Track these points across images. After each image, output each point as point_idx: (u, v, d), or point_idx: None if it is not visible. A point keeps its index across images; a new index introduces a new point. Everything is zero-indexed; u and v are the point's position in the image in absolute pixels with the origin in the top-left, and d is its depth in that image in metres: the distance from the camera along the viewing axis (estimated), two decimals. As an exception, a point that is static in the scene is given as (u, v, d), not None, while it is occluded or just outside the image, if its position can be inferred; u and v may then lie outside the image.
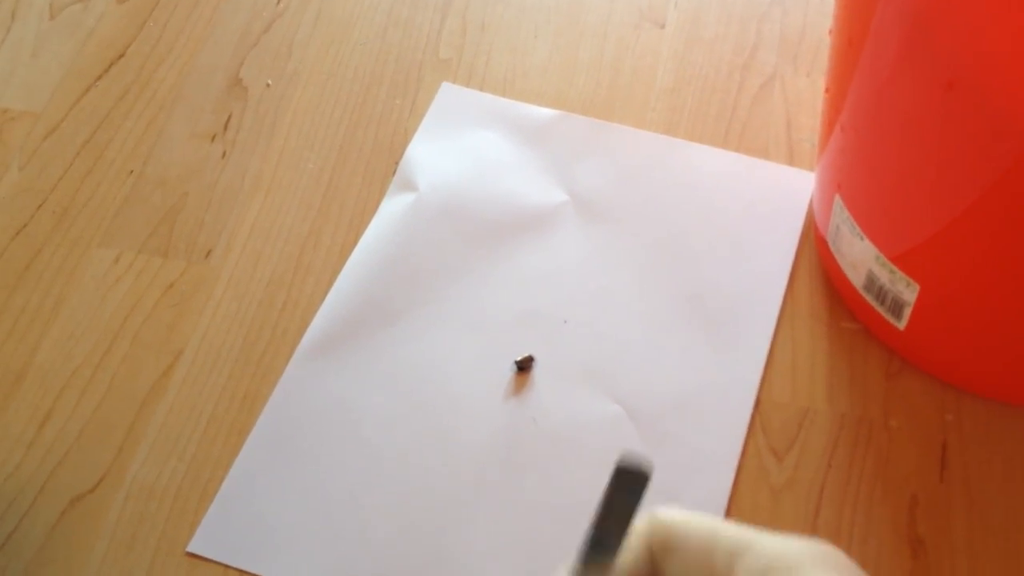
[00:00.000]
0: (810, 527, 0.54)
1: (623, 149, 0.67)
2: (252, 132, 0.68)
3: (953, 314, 0.55)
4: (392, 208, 0.65)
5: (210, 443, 0.56)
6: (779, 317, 0.61)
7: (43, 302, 0.61)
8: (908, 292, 0.54)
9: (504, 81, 0.70)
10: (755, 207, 0.65)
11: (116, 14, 0.73)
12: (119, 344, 0.59)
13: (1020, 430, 0.57)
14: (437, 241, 0.63)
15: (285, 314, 0.61)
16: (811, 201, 0.65)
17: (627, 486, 0.33)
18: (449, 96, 0.70)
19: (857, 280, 0.58)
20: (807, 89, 0.70)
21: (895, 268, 0.54)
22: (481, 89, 0.70)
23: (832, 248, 0.59)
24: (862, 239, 0.55)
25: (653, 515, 0.33)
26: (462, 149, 0.67)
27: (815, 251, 0.63)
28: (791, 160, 0.67)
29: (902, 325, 0.56)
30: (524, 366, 0.59)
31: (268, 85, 0.70)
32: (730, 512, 0.54)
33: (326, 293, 0.61)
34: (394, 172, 0.66)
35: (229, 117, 0.69)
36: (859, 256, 0.56)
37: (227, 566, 0.52)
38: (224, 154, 0.67)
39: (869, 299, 0.57)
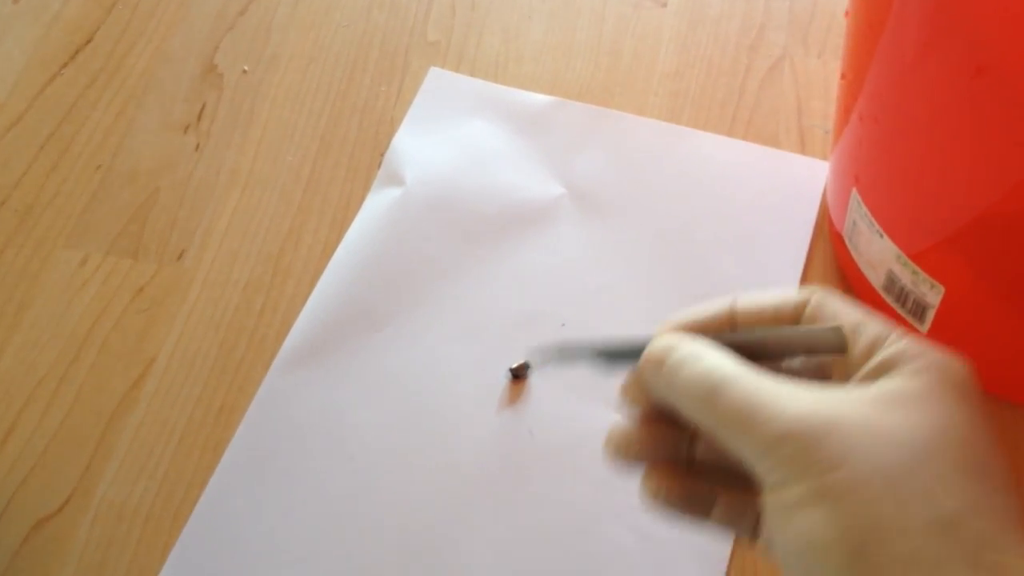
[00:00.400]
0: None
1: (623, 138, 0.63)
2: (228, 122, 0.64)
3: (981, 317, 0.51)
4: (377, 203, 0.61)
5: (183, 460, 0.52)
6: (791, 318, 0.57)
7: (4, 308, 0.57)
8: (932, 294, 0.50)
9: (496, 65, 0.66)
10: (764, 199, 0.61)
11: (83, -4, 0.69)
12: (86, 353, 0.55)
13: (1050, 439, 0.53)
14: (426, 239, 0.59)
15: (264, 319, 0.57)
16: (825, 192, 0.61)
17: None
18: (437, 82, 0.66)
19: (876, 280, 0.54)
20: (819, 71, 0.66)
21: (918, 269, 0.50)
22: (471, 74, 0.66)
23: (848, 245, 0.56)
24: (882, 237, 0.51)
25: (821, 295, 0.38)
26: (451, 139, 0.63)
27: (829, 246, 0.59)
28: (802, 148, 0.63)
29: (924, 328, 0.53)
30: (519, 373, 0.55)
31: (245, 71, 0.66)
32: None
33: (307, 296, 0.57)
34: (379, 164, 0.62)
35: (203, 106, 0.65)
36: (878, 255, 0.53)
37: (202, 594, 0.49)
38: (198, 146, 0.63)
39: (889, 300, 0.54)
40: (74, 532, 0.50)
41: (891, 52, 0.45)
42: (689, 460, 0.39)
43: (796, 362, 0.39)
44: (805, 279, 0.58)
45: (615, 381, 0.52)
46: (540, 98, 0.65)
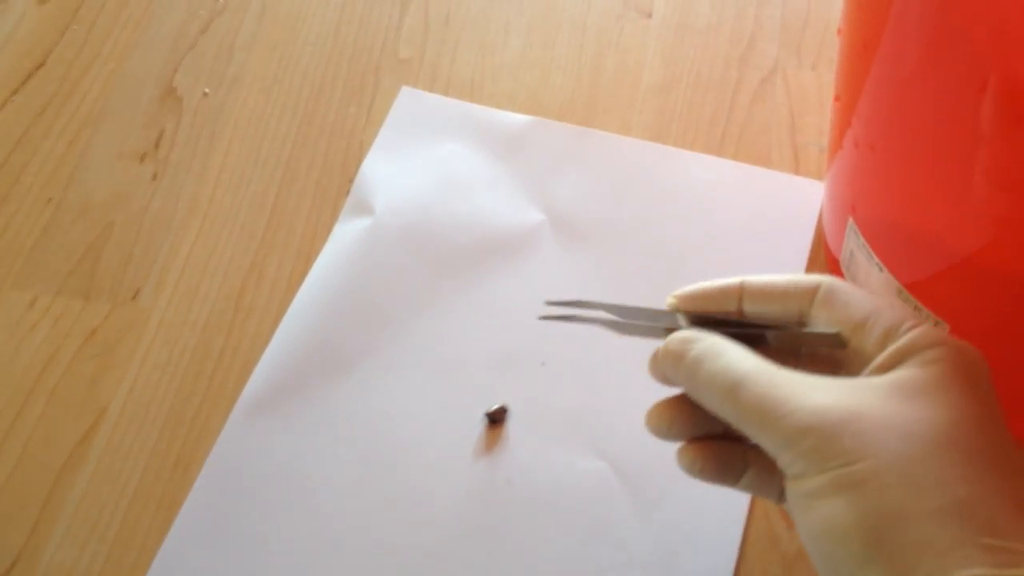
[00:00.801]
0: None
1: (606, 159, 0.60)
2: (187, 149, 0.60)
3: (990, 352, 0.48)
4: (345, 235, 0.57)
5: (136, 520, 0.49)
6: (786, 352, 0.53)
7: (-52, 355, 0.53)
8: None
9: (472, 83, 0.63)
10: (757, 223, 0.57)
11: (36, 17, 0.65)
12: (33, 403, 0.52)
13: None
14: (396, 272, 0.56)
15: (223, 363, 0.53)
16: (820, 214, 0.57)
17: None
18: (409, 102, 0.62)
19: (876, 313, 0.50)
20: (813, 83, 0.62)
21: (920, 305, 0.47)
22: (445, 93, 0.62)
23: (846, 274, 0.52)
24: (881, 270, 0.48)
25: (830, 282, 0.39)
26: (424, 164, 0.60)
27: (827, 273, 0.56)
28: (796, 168, 0.59)
29: (928, 365, 0.49)
30: (496, 418, 0.51)
31: (205, 94, 0.62)
32: (735, 583, 0.47)
33: (270, 337, 0.54)
34: (348, 192, 0.59)
35: (161, 133, 0.61)
36: (877, 287, 0.49)
37: (155, 668, 0.46)
38: (155, 176, 0.59)
39: (890, 334, 0.50)
40: (18, 601, 0.47)
41: (888, 71, 0.42)
42: (725, 431, 0.40)
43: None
44: (801, 309, 0.55)
45: (596, 425, 0.49)
46: (518, 118, 0.61)
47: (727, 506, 0.49)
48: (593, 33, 0.64)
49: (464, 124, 0.61)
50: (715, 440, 0.40)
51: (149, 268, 0.56)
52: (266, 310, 0.55)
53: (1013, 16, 0.35)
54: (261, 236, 0.57)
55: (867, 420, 0.34)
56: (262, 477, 0.50)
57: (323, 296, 0.55)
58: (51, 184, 0.59)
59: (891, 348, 0.37)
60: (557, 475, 0.50)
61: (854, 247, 0.49)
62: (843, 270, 0.52)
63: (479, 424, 0.51)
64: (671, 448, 0.44)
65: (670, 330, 0.40)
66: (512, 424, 0.51)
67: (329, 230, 0.57)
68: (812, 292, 0.39)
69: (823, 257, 0.56)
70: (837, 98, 0.49)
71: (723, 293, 0.40)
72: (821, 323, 0.39)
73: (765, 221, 0.57)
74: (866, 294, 0.39)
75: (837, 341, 0.38)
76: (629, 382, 0.52)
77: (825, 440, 0.34)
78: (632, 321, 0.41)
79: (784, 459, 0.35)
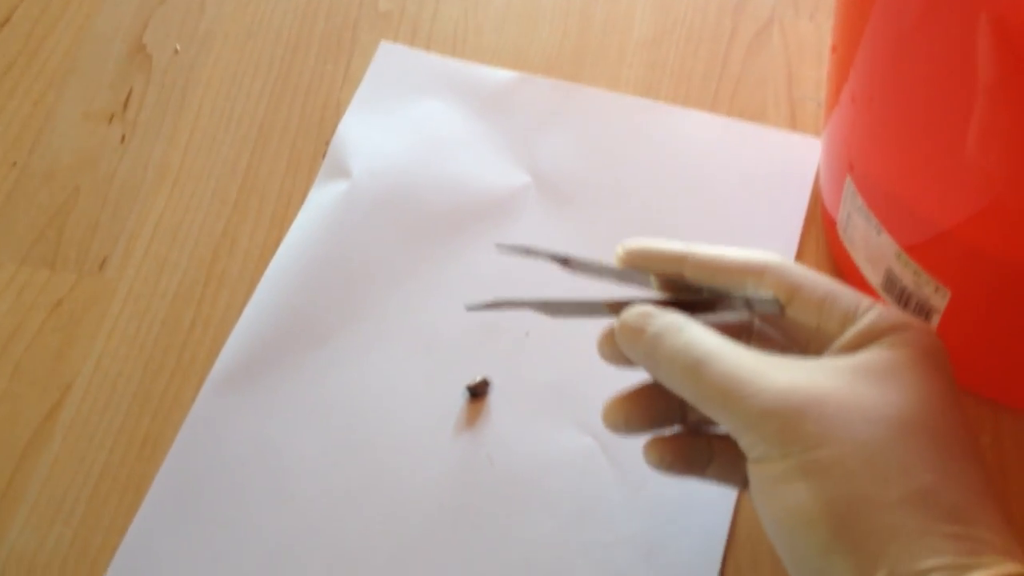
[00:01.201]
0: None
1: (594, 117, 0.57)
2: (157, 110, 0.58)
3: (993, 322, 0.45)
4: (321, 199, 0.55)
5: (102, 502, 0.47)
6: (781, 318, 0.51)
7: (-92, 329, 0.51)
8: (937, 297, 0.44)
9: (454, 37, 0.60)
10: (751, 182, 0.55)
11: (-1, -29, 0.62)
12: (-4, 379, 0.50)
13: (1072, 454, 0.48)
14: (374, 239, 0.53)
15: (194, 336, 0.51)
16: (818, 174, 0.55)
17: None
18: (389, 58, 0.59)
19: (874, 278, 0.48)
20: (811, 35, 0.59)
21: (920, 269, 0.44)
22: (427, 48, 0.59)
23: (843, 237, 0.49)
24: (879, 232, 0.45)
25: (781, 262, 0.38)
26: (404, 124, 0.57)
27: (823, 235, 0.53)
28: (793, 124, 0.57)
29: (929, 333, 0.47)
30: (478, 392, 0.49)
31: (176, 51, 0.60)
32: (727, 562, 0.45)
33: (243, 308, 0.51)
34: (324, 155, 0.56)
35: (130, 92, 0.58)
36: (876, 251, 0.46)
37: (123, 655, 0.44)
38: (123, 138, 0.57)
39: (889, 301, 0.48)
40: (-20, 587, 0.45)
41: (887, 20, 0.39)
42: (683, 420, 0.40)
43: (773, 333, 0.40)
44: (797, 273, 0.52)
45: (582, 398, 0.47)
46: (502, 74, 0.59)
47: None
48: (581, -17, 0.61)
49: (446, 81, 0.58)
50: (679, 435, 0.40)
51: (117, 236, 0.54)
52: (239, 280, 0.52)
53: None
54: (233, 201, 0.55)
55: (831, 403, 0.34)
56: (234, 454, 0.48)
57: (298, 265, 0.53)
58: (15, 147, 0.56)
59: (855, 328, 0.36)
60: (541, 451, 0.48)
61: (852, 208, 0.47)
62: (840, 232, 0.50)
63: (460, 398, 0.49)
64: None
65: (614, 306, 0.39)
66: (494, 398, 0.49)
67: (304, 195, 0.55)
68: (759, 270, 0.38)
69: (820, 218, 0.54)
70: (834, 49, 0.46)
71: (669, 257, 0.40)
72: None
73: (760, 180, 0.55)
74: (819, 274, 0.38)
75: (774, 307, 0.38)
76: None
77: (788, 424, 0.34)
78: (567, 300, 0.41)
79: (746, 441, 0.35)
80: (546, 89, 0.58)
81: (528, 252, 0.42)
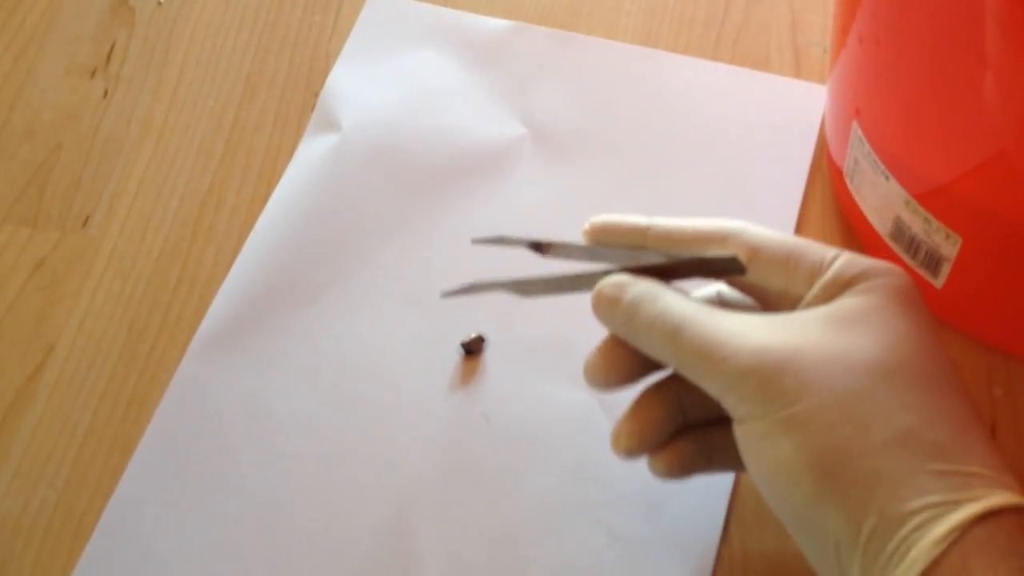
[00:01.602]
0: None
1: (591, 66, 0.55)
2: (140, 64, 0.56)
3: (1005, 270, 0.44)
4: (311, 153, 0.53)
5: (87, 464, 0.45)
6: (786, 271, 0.49)
7: None
8: (948, 245, 0.43)
9: (446, -14, 0.58)
10: (754, 132, 0.53)
11: (-24, -77, 0.60)
12: (-23, 340, 0.48)
13: (1087, 406, 0.46)
14: (365, 193, 0.52)
15: (180, 294, 0.49)
16: (823, 122, 0.53)
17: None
18: (379, 7, 0.57)
19: (882, 227, 0.46)
20: (816, -21, 0.57)
21: (930, 216, 0.43)
22: (418, -3, 0.58)
23: (850, 185, 0.48)
24: (887, 179, 0.44)
25: (741, 226, 0.38)
26: (395, 75, 0.55)
27: (829, 185, 0.52)
28: (797, 71, 0.55)
29: (939, 283, 0.45)
30: (473, 348, 0.48)
31: (159, 3, 0.58)
32: (731, 518, 0.44)
33: (230, 266, 0.50)
34: (313, 108, 0.54)
35: (113, 46, 0.57)
36: (884, 199, 0.45)
37: (110, 619, 0.43)
38: (106, 93, 0.55)
39: (897, 250, 0.46)
40: (-38, 552, 0.44)
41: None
42: (679, 414, 0.40)
43: (747, 301, 0.40)
44: (801, 224, 0.51)
45: (580, 354, 0.45)
46: (496, 23, 0.57)
47: (721, 438, 0.46)
48: (577, -72, 0.59)
49: (438, 30, 0.57)
50: (678, 442, 0.40)
51: (100, 193, 0.52)
52: (226, 237, 0.51)
53: None
54: (220, 157, 0.53)
55: (807, 356, 0.34)
56: (222, 415, 0.46)
57: (286, 221, 0.51)
58: (-5, 104, 0.55)
59: (822, 280, 0.36)
60: (538, 408, 0.47)
61: (858, 155, 0.45)
62: (846, 180, 0.48)
63: (454, 355, 0.48)
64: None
65: (587, 279, 0.40)
66: (489, 355, 0.48)
67: (293, 149, 0.53)
68: (721, 238, 0.38)
69: (825, 167, 0.52)
70: (839, -11, 0.44)
71: (631, 231, 0.40)
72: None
73: (764, 129, 0.53)
74: (783, 234, 0.38)
75: (735, 266, 0.38)
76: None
77: (767, 381, 0.34)
78: (540, 278, 0.41)
79: (728, 402, 0.35)
80: (541, 38, 0.56)
81: (502, 241, 0.43)
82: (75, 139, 0.54)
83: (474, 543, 0.44)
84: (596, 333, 0.43)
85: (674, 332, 0.36)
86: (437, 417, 0.46)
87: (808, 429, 0.33)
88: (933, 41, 0.37)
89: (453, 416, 0.46)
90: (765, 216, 0.51)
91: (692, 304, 0.37)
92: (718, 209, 0.51)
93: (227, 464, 0.45)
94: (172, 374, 0.47)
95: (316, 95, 0.55)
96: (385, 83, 0.55)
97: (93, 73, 0.56)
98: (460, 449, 0.46)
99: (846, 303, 0.36)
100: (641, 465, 0.43)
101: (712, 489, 0.44)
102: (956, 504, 0.31)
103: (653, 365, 0.40)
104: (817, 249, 0.37)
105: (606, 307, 0.38)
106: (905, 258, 0.46)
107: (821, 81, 0.54)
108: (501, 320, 0.48)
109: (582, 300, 0.46)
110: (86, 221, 0.51)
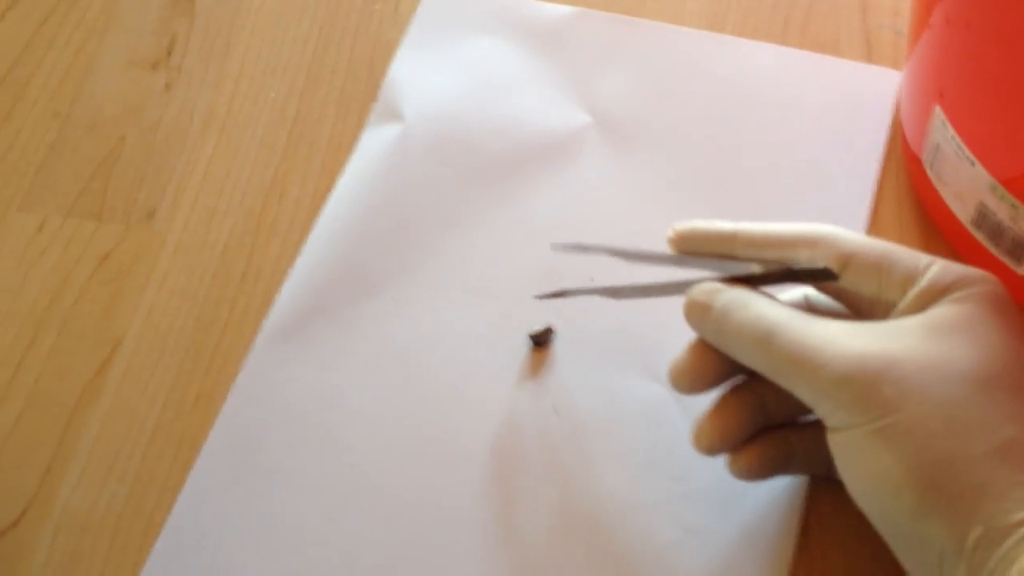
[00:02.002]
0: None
1: (657, 52, 0.54)
2: (201, 56, 0.56)
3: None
4: (373, 144, 0.52)
5: (156, 459, 0.45)
6: (861, 260, 0.48)
7: (-46, 285, 0.50)
8: (1035, 232, 0.41)
9: (507, -27, 0.57)
10: (825, 118, 0.52)
11: (36, -83, 0.60)
12: (45, 334, 0.48)
13: None
14: (429, 183, 0.51)
15: (246, 287, 0.49)
16: (897, 107, 0.52)
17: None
18: (440, -4, 0.57)
19: (964, 213, 0.45)
20: (887, -41, 0.56)
21: (1018, 202, 0.41)
22: (479, -15, 0.57)
23: (929, 171, 0.46)
24: (972, 164, 0.42)
25: (833, 231, 0.38)
26: (457, 63, 0.54)
27: (904, 172, 0.50)
28: (869, 56, 0.53)
29: (1023, 270, 0.44)
30: (541, 340, 0.47)
31: (220, -5, 0.57)
32: (808, 515, 0.43)
33: (294, 258, 0.49)
34: (375, 98, 0.54)
35: (174, 39, 0.56)
36: (967, 184, 0.43)
37: (181, 614, 0.42)
38: (168, 86, 0.55)
39: (980, 237, 0.45)
40: (33, 547, 0.44)
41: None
42: (762, 414, 0.40)
43: (837, 307, 0.40)
44: (876, 212, 0.49)
45: (651, 345, 0.44)
46: (559, 9, 0.56)
47: (797, 432, 0.45)
48: (640, -88, 0.58)
49: (500, 18, 0.56)
50: (758, 441, 0.40)
51: (164, 186, 0.52)
52: (289, 229, 0.50)
53: None
54: (282, 149, 0.53)
55: (906, 365, 0.33)
56: (290, 408, 0.46)
57: (350, 212, 0.50)
58: (57, 98, 0.55)
59: (917, 287, 0.36)
60: (609, 401, 0.46)
61: (940, 139, 0.44)
62: (925, 166, 0.46)
63: (522, 347, 0.47)
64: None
65: (676, 286, 0.40)
66: (559, 346, 0.47)
67: (355, 141, 0.53)
68: (812, 241, 0.38)
69: (899, 153, 0.51)
70: (922, -32, 0.43)
71: (718, 238, 0.40)
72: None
73: (835, 115, 0.52)
74: (874, 239, 0.38)
75: (827, 275, 0.37)
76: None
77: (865, 390, 0.33)
78: (633, 285, 0.42)
79: (823, 409, 0.35)
80: (605, 24, 0.55)
81: (583, 248, 0.44)
82: (138, 132, 0.53)
83: (544, 537, 0.43)
84: (667, 325, 0.43)
85: (767, 338, 0.36)
86: (505, 410, 0.46)
87: (909, 439, 0.33)
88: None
89: (522, 409, 0.46)
90: (838, 204, 0.49)
91: (784, 310, 0.37)
92: (790, 198, 0.50)
93: (295, 458, 0.45)
94: (239, 368, 0.47)
95: (378, 85, 0.54)
96: (447, 72, 0.54)
97: (155, 66, 0.55)
98: (529, 443, 0.45)
99: (943, 311, 0.35)
100: (716, 460, 0.43)
101: (789, 484, 0.43)
102: None
103: (739, 369, 0.39)
104: (909, 255, 0.37)
105: (698, 313, 0.38)
106: (988, 245, 0.44)
107: (894, 65, 0.53)
108: (569, 311, 0.47)
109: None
110: (150, 215, 0.51)
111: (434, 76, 0.54)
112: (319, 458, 0.45)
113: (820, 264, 0.37)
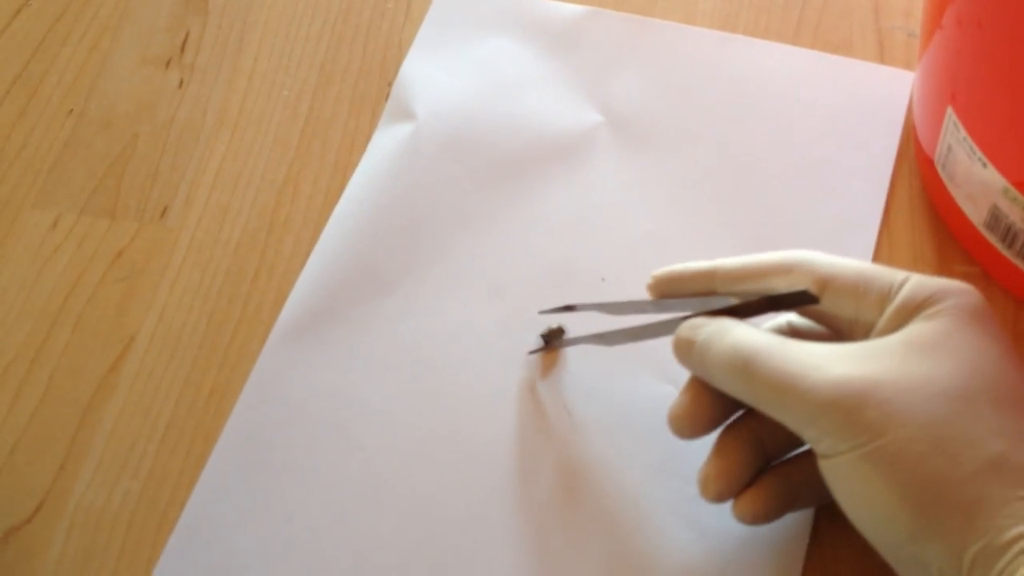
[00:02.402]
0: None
1: (669, 52, 0.54)
2: (215, 53, 0.56)
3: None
4: (385, 143, 0.52)
5: (169, 455, 0.45)
6: (873, 260, 0.48)
7: (-32, 281, 0.50)
8: (1048, 234, 0.42)
9: (520, -28, 0.57)
10: (839, 119, 0.52)
11: (50, -86, 0.61)
12: (59, 331, 0.49)
13: None
14: (441, 183, 0.51)
15: (258, 285, 0.49)
16: (909, 109, 0.52)
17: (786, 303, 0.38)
18: (452, -5, 0.57)
19: (976, 216, 0.45)
20: (900, -40, 0.56)
21: (1032, 205, 0.41)
22: (492, -16, 0.57)
23: (942, 173, 0.46)
24: (985, 166, 0.42)
25: (807, 256, 0.38)
26: (469, 62, 0.55)
27: (916, 174, 0.50)
28: (881, 57, 0.53)
29: (1036, 274, 0.44)
30: (553, 340, 0.47)
31: (233, -7, 0.58)
32: (819, 523, 0.43)
33: (307, 256, 0.50)
34: (387, 97, 0.54)
35: (187, 36, 0.56)
36: (979, 186, 0.43)
37: (195, 611, 0.43)
38: (181, 83, 0.55)
39: (992, 239, 0.45)
40: (47, 543, 0.44)
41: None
42: (760, 450, 0.39)
43: (820, 331, 0.40)
44: (888, 214, 0.49)
45: (663, 346, 0.45)
46: (571, 8, 0.56)
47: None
48: (653, -88, 0.58)
49: (512, 17, 0.56)
50: (759, 485, 0.39)
51: (177, 183, 0.52)
52: (302, 227, 0.51)
53: None
54: (295, 147, 0.53)
55: (888, 387, 0.33)
56: (302, 406, 0.46)
57: (363, 210, 0.51)
58: (71, 95, 0.55)
59: (893, 306, 0.36)
60: (621, 401, 0.46)
61: (952, 141, 0.44)
62: (937, 168, 0.47)
63: (535, 346, 0.47)
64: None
65: (665, 325, 0.41)
66: (571, 347, 0.47)
67: (368, 139, 0.53)
68: (788, 268, 0.38)
69: (912, 155, 0.51)
70: (936, -30, 0.43)
71: (697, 276, 0.40)
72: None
73: (847, 116, 0.52)
74: (850, 260, 0.38)
75: (807, 298, 0.37)
76: (699, 298, 0.47)
77: (849, 415, 0.33)
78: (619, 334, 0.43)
79: (809, 436, 0.35)
80: (617, 23, 0.55)
81: (570, 308, 0.45)
82: (151, 130, 0.54)
83: (556, 537, 0.43)
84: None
85: (745, 366, 0.36)
86: (517, 409, 0.46)
87: (898, 462, 0.32)
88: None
89: (534, 409, 0.46)
90: (851, 205, 0.50)
91: (763, 336, 0.36)
92: (802, 199, 0.50)
93: (308, 455, 0.45)
94: (252, 365, 0.47)
95: (390, 84, 0.54)
96: (459, 71, 0.54)
97: (168, 63, 0.56)
98: (542, 442, 0.45)
99: (920, 328, 0.35)
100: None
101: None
102: None
103: (738, 407, 0.39)
104: (885, 274, 0.37)
105: (684, 350, 0.39)
106: (1000, 247, 0.44)
107: (906, 65, 0.53)
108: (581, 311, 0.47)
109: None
110: (164, 212, 0.51)
111: (446, 75, 0.54)
112: (331, 455, 0.45)
113: (799, 288, 0.37)
